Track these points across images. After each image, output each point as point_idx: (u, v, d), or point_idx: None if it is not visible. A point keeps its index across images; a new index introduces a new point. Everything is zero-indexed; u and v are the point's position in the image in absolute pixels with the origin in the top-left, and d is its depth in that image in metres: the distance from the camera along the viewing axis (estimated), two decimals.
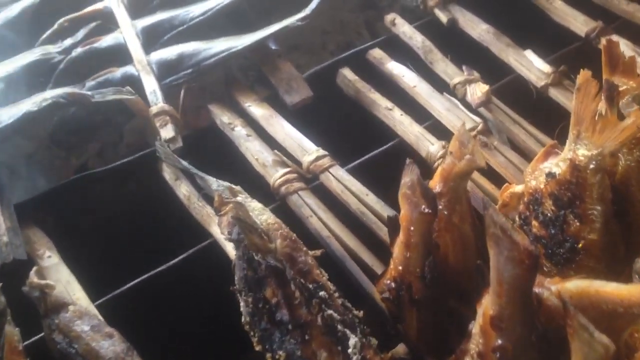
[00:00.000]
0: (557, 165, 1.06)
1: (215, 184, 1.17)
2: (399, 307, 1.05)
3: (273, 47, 1.66)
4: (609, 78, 1.05)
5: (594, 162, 0.99)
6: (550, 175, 1.07)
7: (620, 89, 1.05)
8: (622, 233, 1.05)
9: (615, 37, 1.60)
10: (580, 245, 1.04)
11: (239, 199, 1.15)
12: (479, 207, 1.22)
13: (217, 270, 1.18)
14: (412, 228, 0.95)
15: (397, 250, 1.01)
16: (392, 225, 1.02)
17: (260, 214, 1.13)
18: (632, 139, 1.01)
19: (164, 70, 1.59)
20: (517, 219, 1.18)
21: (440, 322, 1.03)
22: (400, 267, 1.00)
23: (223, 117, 1.54)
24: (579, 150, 1.01)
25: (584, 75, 0.99)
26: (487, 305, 0.83)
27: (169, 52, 1.62)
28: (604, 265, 1.05)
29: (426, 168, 1.42)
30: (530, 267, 0.73)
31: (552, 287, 0.81)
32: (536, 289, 0.82)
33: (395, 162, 1.47)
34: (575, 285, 0.80)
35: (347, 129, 1.63)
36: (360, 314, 1.07)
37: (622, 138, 0.96)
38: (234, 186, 1.18)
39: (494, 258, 0.78)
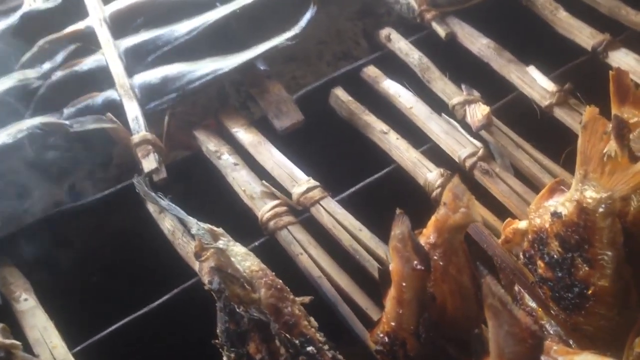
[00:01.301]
0: (563, 205, 0.98)
1: (195, 226, 1.10)
2: None
3: (262, 68, 1.57)
4: (617, 112, 0.96)
5: (603, 206, 0.91)
6: (555, 214, 1.00)
7: (631, 121, 0.97)
8: (635, 278, 0.97)
9: (623, 51, 1.51)
10: (590, 291, 0.96)
11: (220, 243, 1.07)
12: (480, 239, 1.15)
13: (204, 312, 1.11)
14: (404, 284, 0.87)
15: (389, 305, 0.93)
16: (383, 278, 0.94)
17: (244, 259, 1.06)
18: None
19: (147, 95, 1.51)
20: (521, 256, 1.11)
21: None
22: (393, 323, 0.92)
23: (209, 145, 1.46)
24: (587, 191, 0.93)
25: (590, 112, 0.90)
26: None
27: (153, 75, 1.53)
28: (616, 313, 0.97)
29: (423, 197, 1.35)
30: (533, 347, 0.65)
31: (559, 359, 0.73)
32: (542, 357, 0.74)
33: (391, 191, 1.40)
34: None
35: (340, 154, 1.55)
36: None
37: (634, 183, 0.88)
38: (215, 228, 1.10)
39: (493, 330, 0.70)
